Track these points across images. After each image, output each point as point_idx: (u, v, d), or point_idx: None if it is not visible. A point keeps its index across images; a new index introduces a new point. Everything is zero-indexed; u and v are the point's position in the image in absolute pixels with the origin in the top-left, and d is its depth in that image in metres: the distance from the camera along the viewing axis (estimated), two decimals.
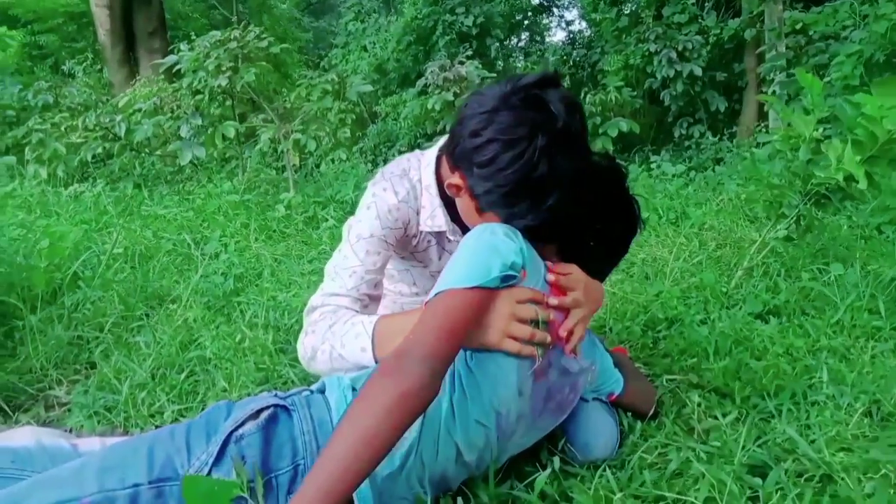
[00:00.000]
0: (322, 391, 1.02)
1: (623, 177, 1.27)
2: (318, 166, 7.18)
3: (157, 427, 1.54)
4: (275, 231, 3.42)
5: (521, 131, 1.01)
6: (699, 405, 1.44)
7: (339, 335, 1.18)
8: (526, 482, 1.13)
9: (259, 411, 0.92)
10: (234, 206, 3.55)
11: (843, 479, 1.11)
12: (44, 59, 10.32)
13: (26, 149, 4.73)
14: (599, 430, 1.25)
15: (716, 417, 1.41)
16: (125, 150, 4.20)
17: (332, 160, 7.26)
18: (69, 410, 1.68)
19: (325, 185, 4.17)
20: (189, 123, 3.64)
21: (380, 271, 1.32)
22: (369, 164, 8.01)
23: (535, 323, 1.03)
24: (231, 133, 3.62)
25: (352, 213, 4.11)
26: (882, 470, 1.11)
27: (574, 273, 1.15)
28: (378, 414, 0.82)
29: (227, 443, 0.88)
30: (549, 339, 1.04)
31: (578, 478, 1.15)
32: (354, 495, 0.89)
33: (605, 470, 1.15)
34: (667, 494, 1.05)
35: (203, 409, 1.59)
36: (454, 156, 1.13)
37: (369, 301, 1.31)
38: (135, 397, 1.61)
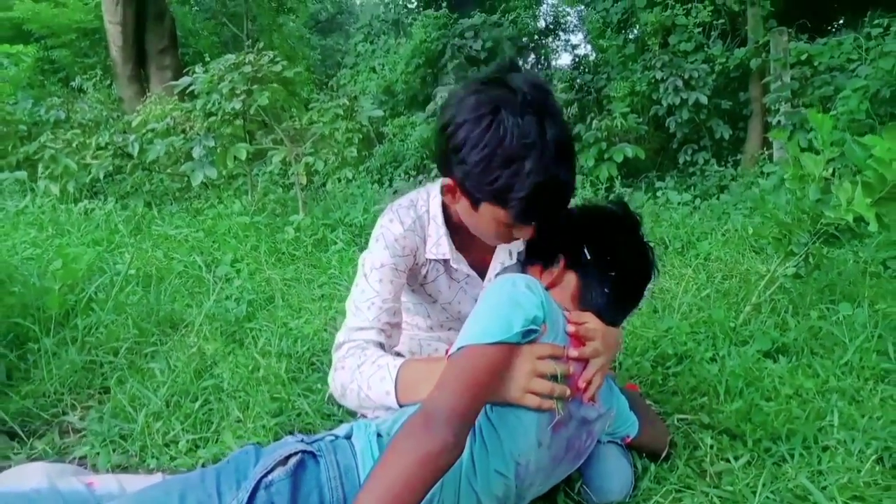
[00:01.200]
0: (348, 437, 1.04)
1: (638, 224, 1.29)
2: (324, 184, 7.24)
3: (171, 457, 1.56)
4: (284, 253, 3.45)
5: (485, 109, 1.06)
6: (711, 447, 1.46)
7: (367, 377, 1.21)
8: None
9: (287, 458, 0.94)
10: (245, 227, 3.58)
11: None
12: (55, 73, 10.44)
13: (38, 164, 4.78)
14: (614, 474, 1.26)
15: (728, 460, 1.43)
16: (137, 168, 4.25)
17: (339, 179, 7.32)
18: (84, 437, 1.70)
19: (334, 207, 4.21)
20: (202, 145, 3.68)
21: (396, 299, 1.35)
22: (375, 185, 8.07)
23: (554, 377, 1.05)
24: (243, 155, 3.67)
25: (360, 236, 4.11)
26: None
27: (591, 322, 1.17)
28: (404, 475, 0.85)
29: (257, 489, 0.90)
30: (568, 392, 1.06)
31: None
32: None
33: None
34: None
35: (217, 439, 1.62)
36: (440, 161, 1.17)
37: (391, 329, 1.35)
38: (150, 426, 1.63)
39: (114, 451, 1.60)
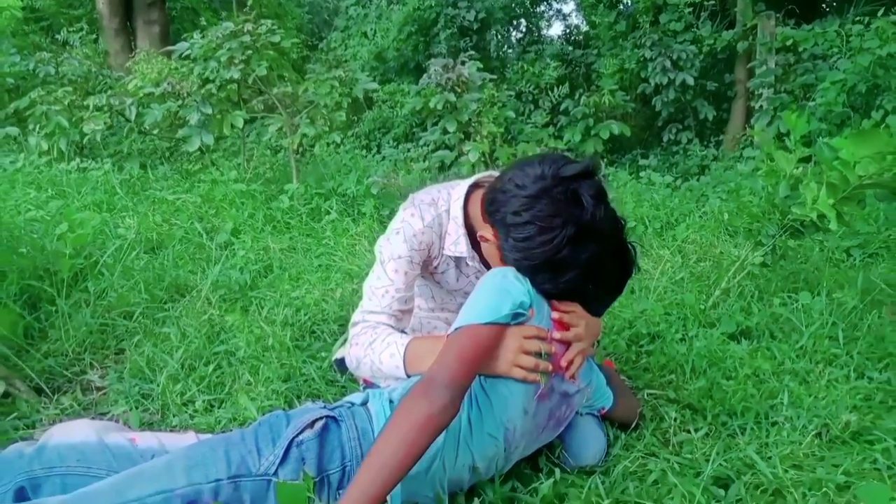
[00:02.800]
0: (364, 402, 1.21)
1: (622, 228, 1.44)
2: (312, 147, 7.28)
3: (190, 416, 1.71)
4: (280, 222, 3.56)
5: (557, 222, 1.19)
6: (675, 420, 1.64)
7: (378, 353, 1.38)
8: (528, 488, 1.32)
9: (314, 421, 1.11)
10: (241, 194, 3.69)
11: (790, 493, 1.32)
12: (37, 22, 10.21)
13: (28, 120, 4.80)
14: (590, 441, 1.44)
15: (689, 432, 1.62)
16: (133, 132, 4.30)
17: (328, 143, 7.36)
18: (105, 394, 1.84)
19: (328, 177, 4.31)
20: (199, 111, 3.75)
21: (409, 288, 1.50)
22: (364, 151, 8.14)
23: (539, 355, 1.22)
24: (240, 123, 3.75)
25: (352, 206, 4.22)
26: (824, 488, 1.32)
27: (576, 310, 1.34)
28: (410, 431, 1.02)
29: (290, 447, 1.06)
30: (550, 368, 1.24)
31: (570, 482, 1.35)
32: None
33: (593, 477, 1.34)
34: (645, 503, 1.25)
35: (233, 400, 1.77)
36: (492, 217, 1.30)
37: (402, 314, 1.50)
38: (168, 388, 1.77)
39: (137, 407, 1.75)
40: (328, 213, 3.72)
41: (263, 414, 1.64)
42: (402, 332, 1.50)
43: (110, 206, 3.47)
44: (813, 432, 1.57)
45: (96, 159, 4.61)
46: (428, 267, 1.56)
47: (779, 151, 2.46)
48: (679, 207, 4.34)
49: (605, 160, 7.54)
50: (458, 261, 1.55)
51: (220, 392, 1.81)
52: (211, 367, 1.89)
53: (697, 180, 5.69)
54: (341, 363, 1.87)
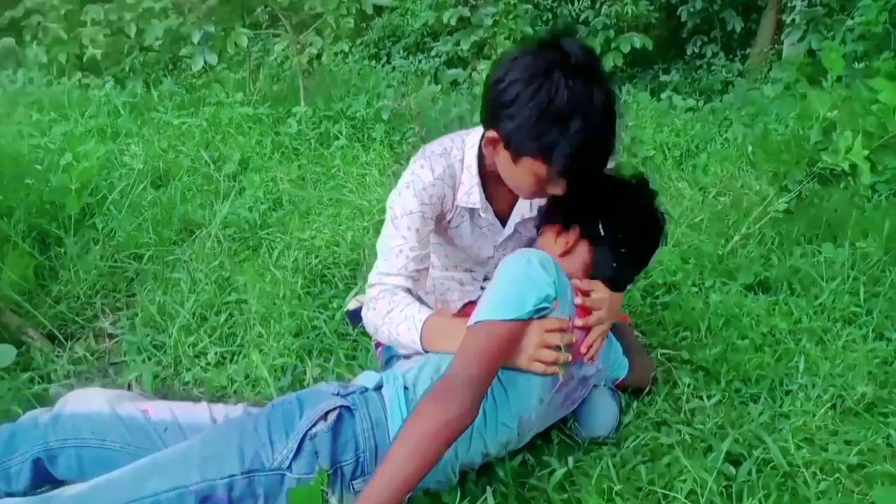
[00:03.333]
0: (378, 387, 1.19)
1: (654, 195, 1.37)
2: (318, 57, 7.02)
3: (203, 369, 1.72)
4: (288, 148, 3.47)
5: (539, 69, 1.12)
6: (688, 385, 1.63)
7: (396, 324, 1.35)
8: (540, 469, 1.33)
9: (327, 413, 1.09)
10: (247, 118, 3.57)
11: (801, 473, 1.32)
12: None
13: (24, 31, 4.61)
14: (603, 413, 1.44)
15: (701, 398, 1.62)
16: (134, 49, 4.12)
17: (336, 53, 7.07)
18: (119, 343, 1.85)
19: (337, 98, 4.15)
20: (202, 30, 3.56)
21: (424, 245, 1.44)
22: (373, 61, 7.82)
23: (559, 347, 1.18)
24: (244, 42, 3.57)
25: (362, 130, 4.10)
26: (836, 472, 1.33)
27: (598, 292, 1.29)
28: (425, 438, 1.01)
29: (303, 440, 1.06)
30: (571, 358, 1.20)
31: (579, 463, 1.35)
32: None
33: (604, 459, 1.35)
34: (657, 490, 1.26)
35: (244, 353, 1.77)
36: (486, 115, 1.23)
37: (419, 274, 1.45)
38: (181, 340, 1.78)
39: (149, 358, 1.77)
40: (337, 137, 3.61)
41: (276, 372, 1.66)
42: (419, 298, 1.47)
43: (114, 130, 3.37)
44: (827, 404, 1.56)
45: (99, 75, 4.45)
46: (441, 221, 1.50)
47: (813, 91, 2.32)
48: (700, 134, 4.19)
49: (626, 74, 7.23)
50: (472, 212, 1.48)
51: (232, 344, 1.81)
52: (222, 318, 1.88)
53: (721, 100, 5.46)
54: (354, 314, 1.86)
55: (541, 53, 1.15)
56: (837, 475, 1.33)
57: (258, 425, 1.08)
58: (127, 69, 4.16)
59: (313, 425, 1.07)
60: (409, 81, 6.17)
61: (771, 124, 4.08)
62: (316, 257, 2.25)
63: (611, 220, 1.29)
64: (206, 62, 3.70)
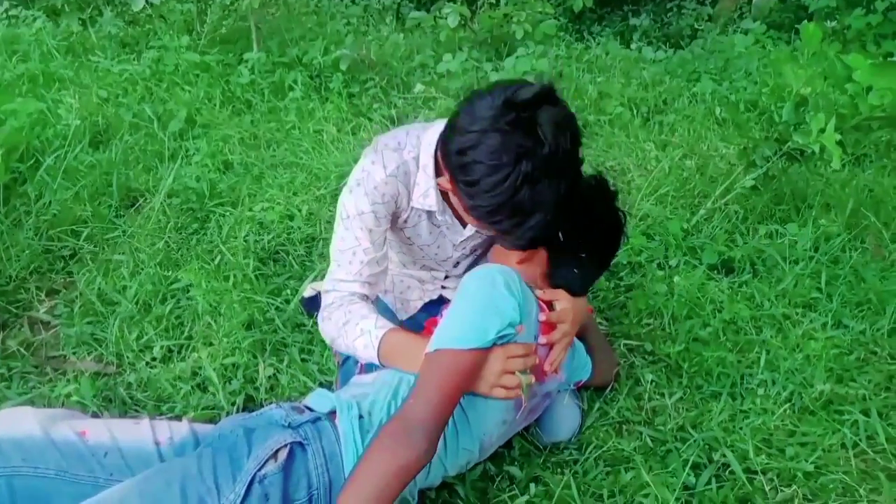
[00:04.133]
0: (332, 412, 1.12)
1: (613, 196, 1.30)
2: None
3: (148, 365, 1.63)
4: (239, 99, 3.26)
5: (507, 157, 1.01)
6: (651, 382, 1.62)
7: (352, 339, 1.27)
8: (501, 482, 1.30)
9: (277, 451, 1.02)
10: (195, 66, 3.32)
11: (760, 483, 1.33)
12: None
13: None
14: (565, 418, 1.41)
15: (663, 395, 1.61)
16: None
17: None
18: (56, 333, 1.74)
19: (292, 43, 3.90)
20: None
21: (379, 247, 1.35)
22: None
23: (523, 371, 1.13)
24: None
25: (318, 77, 3.89)
26: (793, 482, 1.34)
27: (562, 301, 1.23)
28: (381, 480, 0.95)
29: (251, 483, 0.99)
30: (534, 379, 1.15)
31: (540, 474, 1.33)
32: None
33: (566, 465, 1.33)
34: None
35: (190, 346, 1.68)
36: (444, 160, 1.13)
37: (375, 278, 1.37)
38: (124, 334, 1.67)
39: (88, 353, 1.66)
40: (292, 88, 3.40)
41: (226, 372, 1.58)
42: (379, 302, 1.39)
43: (47, 77, 3.10)
44: (786, 403, 1.56)
45: (28, 6, 4.08)
46: (397, 221, 1.41)
47: (787, 66, 2.24)
48: (668, 89, 4.10)
49: (595, 15, 7.02)
50: (429, 213, 1.39)
51: (179, 336, 1.71)
52: (168, 307, 1.77)
53: (690, 49, 5.35)
54: (310, 302, 1.77)
55: (511, 135, 1.00)
56: (794, 485, 1.34)
57: (202, 466, 1.00)
58: (59, 4, 3.81)
59: (262, 466, 1.00)
60: (368, 20, 5.86)
61: (739, 81, 4.01)
62: (269, 233, 2.14)
63: (569, 228, 1.22)
64: (147, 1, 3.41)
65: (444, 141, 1.13)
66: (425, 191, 1.32)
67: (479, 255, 1.56)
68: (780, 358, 1.72)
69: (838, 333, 1.84)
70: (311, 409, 1.16)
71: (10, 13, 4.08)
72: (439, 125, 1.29)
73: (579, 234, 1.25)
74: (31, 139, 2.43)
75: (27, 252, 1.92)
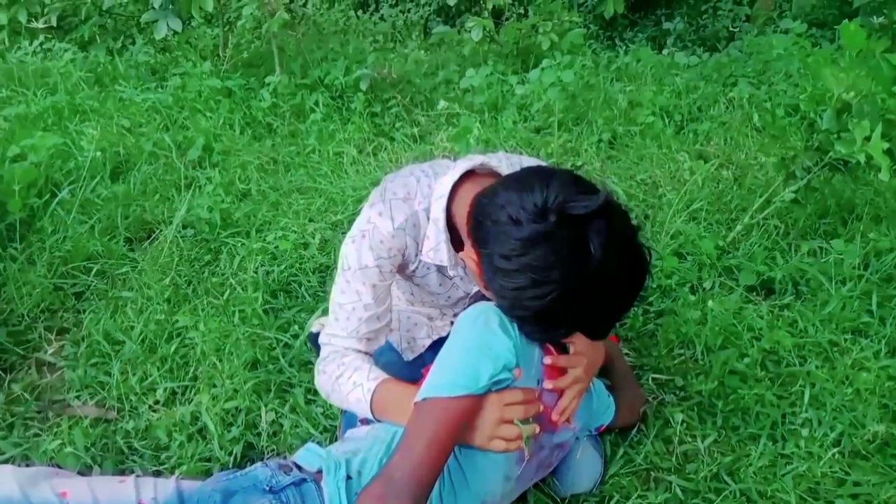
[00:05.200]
0: (319, 472, 1.04)
1: (635, 231, 1.18)
2: (304, 4, 6.65)
3: (151, 408, 1.57)
4: (260, 123, 3.25)
5: (554, 276, 0.92)
6: (682, 423, 1.48)
7: (345, 392, 1.20)
8: None
9: None
10: (216, 92, 3.32)
11: None
12: None
13: None
14: (585, 468, 1.29)
15: (695, 437, 1.47)
16: (94, 13, 3.83)
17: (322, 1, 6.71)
18: (62, 376, 1.70)
19: (314, 64, 3.88)
20: None
21: (381, 302, 1.27)
22: (359, 11, 7.41)
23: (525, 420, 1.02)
24: (210, 7, 3.28)
25: (340, 98, 3.84)
26: None
27: (576, 344, 1.12)
28: None
29: None
30: (538, 429, 1.04)
31: None
32: None
33: None
34: None
35: (194, 387, 1.62)
36: (478, 245, 1.03)
37: (375, 335, 1.29)
38: (127, 377, 1.62)
39: (92, 397, 1.62)
40: (314, 110, 3.37)
41: (227, 417, 1.51)
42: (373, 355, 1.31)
43: (72, 109, 3.13)
44: (834, 447, 1.41)
45: (63, 40, 4.16)
46: (404, 271, 1.32)
47: (827, 69, 2.08)
48: (703, 95, 3.93)
49: (627, 21, 6.85)
50: (440, 267, 1.29)
51: (184, 377, 1.66)
52: (174, 346, 1.72)
53: (727, 52, 5.14)
54: (317, 338, 1.69)
55: (561, 254, 0.92)
56: None
57: None
58: (86, 37, 3.87)
59: None
60: (396, 36, 5.84)
61: (779, 84, 3.82)
62: (281, 264, 2.08)
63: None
64: (169, 27, 3.43)
65: (478, 222, 1.03)
66: (436, 245, 1.22)
67: None
68: (827, 393, 1.56)
69: (893, 362, 1.67)
70: (299, 467, 1.07)
71: (44, 46, 4.17)
72: (453, 170, 1.19)
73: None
74: (51, 173, 2.45)
75: (38, 290, 1.90)
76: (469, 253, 1.07)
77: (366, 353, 1.27)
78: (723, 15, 6.48)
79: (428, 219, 1.21)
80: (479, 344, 1.00)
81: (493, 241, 0.97)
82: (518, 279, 0.94)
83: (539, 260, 0.92)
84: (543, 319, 0.98)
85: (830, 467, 1.38)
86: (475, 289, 1.33)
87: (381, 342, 1.32)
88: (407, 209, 1.21)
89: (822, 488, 1.33)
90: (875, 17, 3.79)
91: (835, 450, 1.40)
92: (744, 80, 4.09)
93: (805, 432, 1.45)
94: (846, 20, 2.06)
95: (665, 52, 4.74)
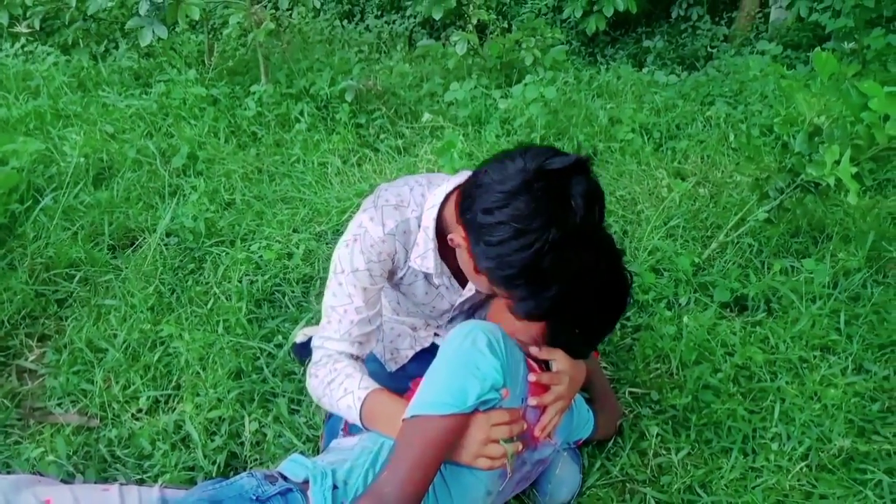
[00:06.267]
0: (305, 482, 1.06)
1: (618, 256, 1.23)
2: (289, 10, 6.65)
3: (134, 417, 1.58)
4: (244, 131, 3.25)
5: (536, 223, 0.96)
6: (657, 436, 1.53)
7: (336, 399, 1.22)
8: None
9: None
10: (201, 100, 3.33)
11: None
12: None
13: None
14: (564, 480, 1.33)
15: (669, 449, 1.51)
16: (78, 18, 3.81)
17: (306, 10, 6.73)
18: (43, 383, 1.70)
19: (300, 74, 3.90)
20: (149, 0, 3.28)
21: (372, 305, 1.30)
22: (345, 20, 7.45)
23: (509, 439, 1.05)
24: (196, 14, 3.28)
25: (325, 108, 3.86)
26: None
27: (559, 362, 1.16)
28: None
29: None
30: (521, 447, 1.08)
31: None
32: None
33: None
34: None
35: (178, 396, 1.63)
36: (463, 216, 1.07)
37: (366, 338, 1.31)
38: (110, 385, 1.63)
39: (74, 405, 1.62)
40: (298, 120, 3.39)
41: (210, 426, 1.52)
42: (364, 361, 1.34)
43: (55, 114, 3.12)
44: (802, 460, 1.46)
45: (46, 42, 4.13)
46: (393, 277, 1.35)
47: (799, 94, 2.16)
48: (681, 114, 4.02)
49: (609, 38, 6.97)
50: (426, 275, 1.33)
51: (167, 385, 1.66)
52: (157, 354, 1.73)
53: (705, 71, 5.26)
54: (301, 348, 1.71)
55: (543, 202, 0.96)
56: None
57: None
58: (69, 42, 3.85)
59: None
60: (381, 47, 5.87)
61: (754, 104, 3.92)
62: (265, 273, 2.09)
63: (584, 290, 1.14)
64: (154, 35, 3.42)
65: (465, 194, 1.07)
66: (423, 252, 1.26)
67: (477, 310, 1.50)
68: (796, 408, 1.61)
69: (859, 379, 1.73)
70: (284, 477, 1.09)
71: (25, 48, 4.14)
72: (444, 184, 1.25)
73: (577, 304, 1.17)
74: (33, 178, 2.43)
75: (19, 296, 1.90)
76: (456, 236, 1.11)
77: (357, 359, 1.30)
78: (702, 34, 6.63)
79: (419, 227, 1.24)
80: (467, 363, 1.03)
81: (477, 201, 1.01)
82: (501, 231, 0.98)
83: (520, 209, 0.97)
84: (532, 280, 1.00)
85: (798, 480, 1.43)
86: (459, 300, 1.36)
87: (372, 345, 1.34)
88: (398, 216, 1.24)
89: (790, 501, 1.38)
90: (846, 43, 3.92)
91: (803, 463, 1.46)
92: (721, 99, 4.20)
93: (775, 446, 1.50)
94: (819, 45, 2.14)
95: (645, 69, 4.84)
